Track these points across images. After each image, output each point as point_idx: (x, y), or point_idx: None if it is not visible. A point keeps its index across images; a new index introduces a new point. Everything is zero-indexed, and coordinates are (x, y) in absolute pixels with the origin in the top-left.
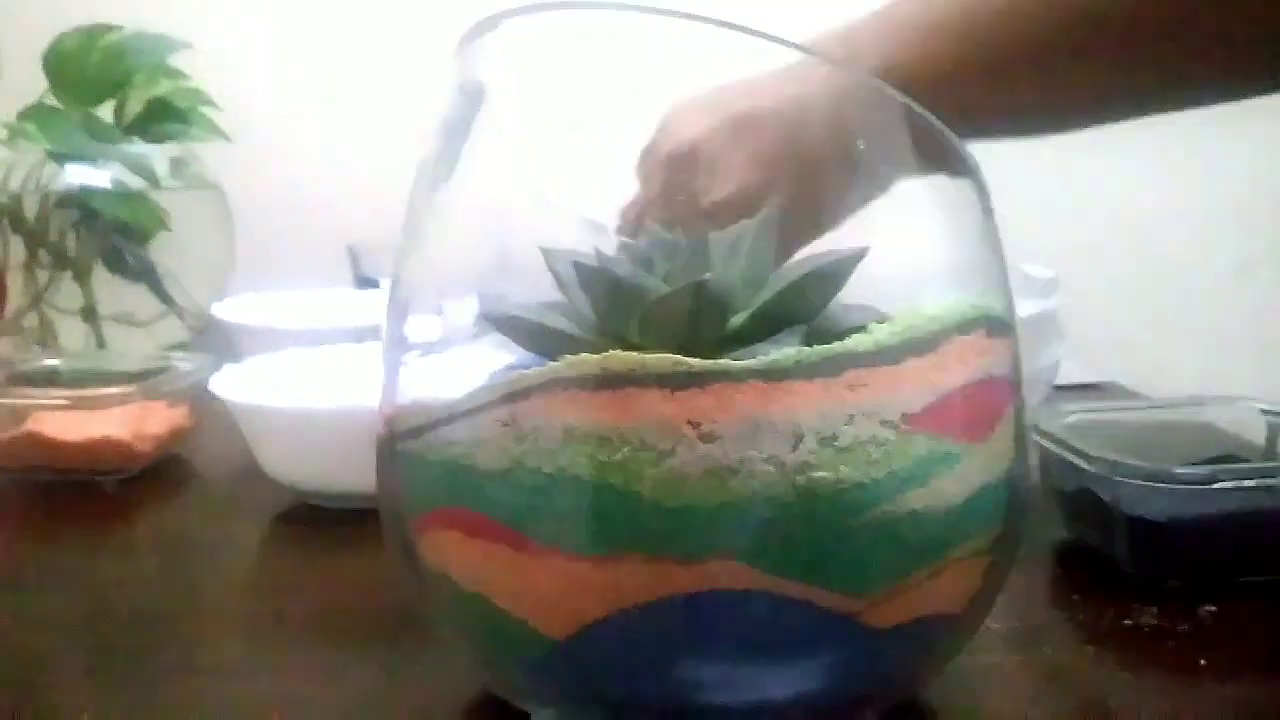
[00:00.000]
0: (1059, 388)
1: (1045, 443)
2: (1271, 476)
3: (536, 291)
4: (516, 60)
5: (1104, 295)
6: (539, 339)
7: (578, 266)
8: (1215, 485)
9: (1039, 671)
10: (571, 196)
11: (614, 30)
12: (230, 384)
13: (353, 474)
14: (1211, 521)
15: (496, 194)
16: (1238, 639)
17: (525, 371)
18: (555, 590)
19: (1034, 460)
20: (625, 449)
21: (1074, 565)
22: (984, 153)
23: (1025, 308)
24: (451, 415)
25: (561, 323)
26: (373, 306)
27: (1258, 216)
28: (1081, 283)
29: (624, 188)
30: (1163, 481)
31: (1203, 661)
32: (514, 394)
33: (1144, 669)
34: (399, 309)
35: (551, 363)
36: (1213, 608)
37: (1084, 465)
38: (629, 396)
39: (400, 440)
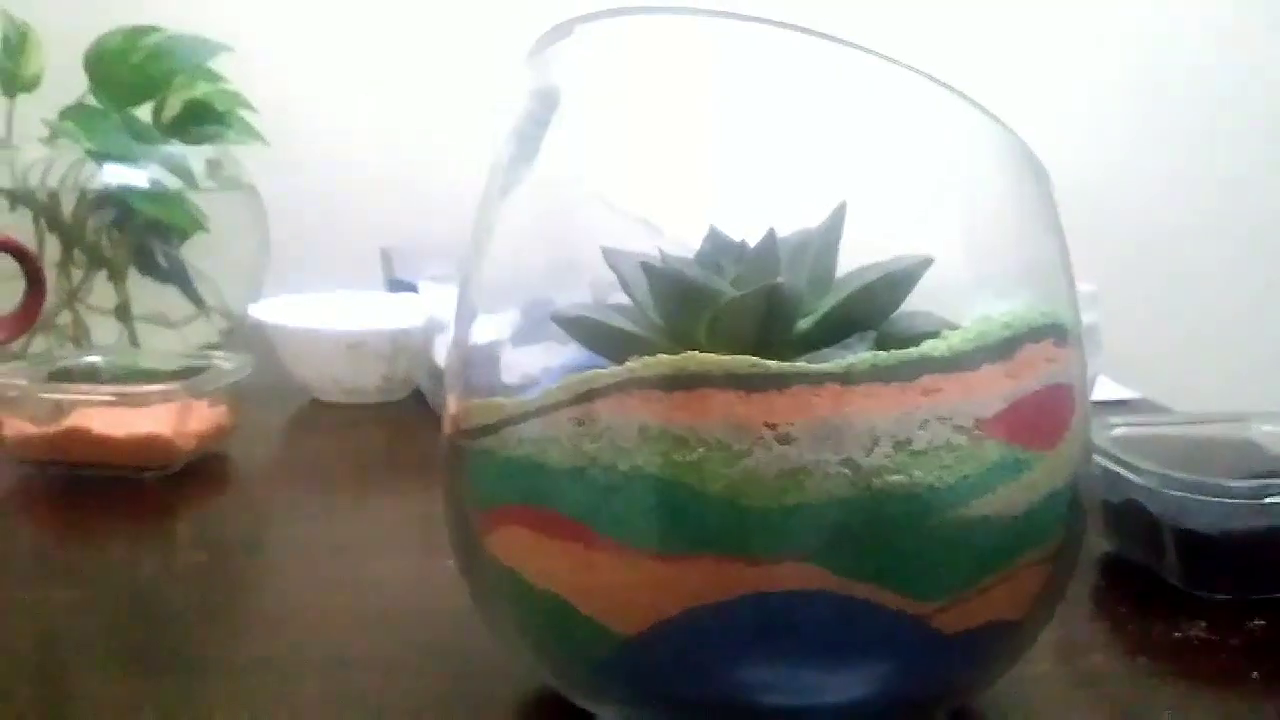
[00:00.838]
0: (1095, 403)
1: (1093, 455)
2: None
3: (600, 295)
4: (590, 65)
5: (1138, 312)
6: (606, 341)
7: (646, 268)
8: (1266, 499)
9: (1088, 681)
10: (639, 201)
11: (686, 35)
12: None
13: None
14: (1261, 535)
15: (565, 198)
16: None
17: (600, 371)
18: (626, 588)
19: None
20: (700, 449)
21: (1117, 578)
22: None
23: None
24: (524, 414)
25: (628, 324)
26: (405, 309)
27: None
28: (1115, 300)
29: (691, 193)
30: (1213, 495)
31: (1255, 674)
32: (588, 393)
33: (1195, 680)
34: (467, 310)
35: (626, 363)
36: (1262, 621)
37: (1132, 477)
38: (705, 397)
39: (468, 438)
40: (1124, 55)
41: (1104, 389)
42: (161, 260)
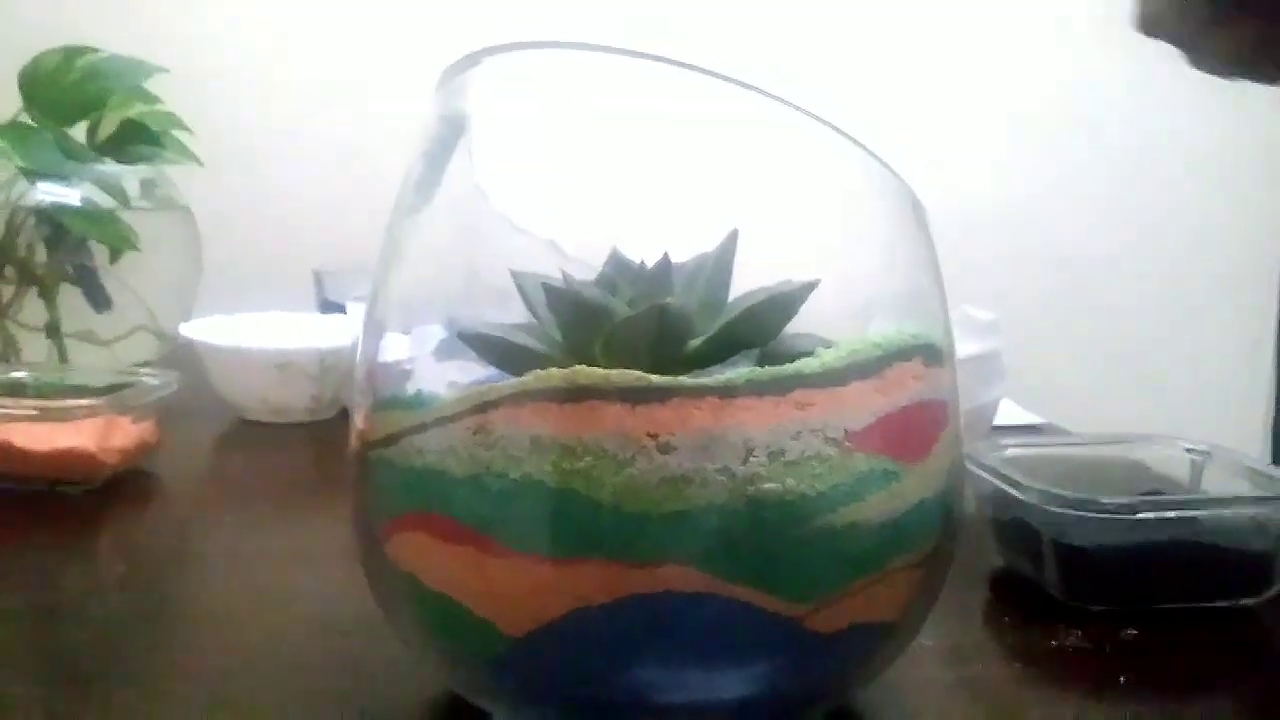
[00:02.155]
0: (998, 428)
1: (982, 473)
2: (1192, 509)
3: (507, 313)
4: (497, 94)
5: (1048, 340)
6: (508, 357)
7: (546, 289)
8: (1139, 515)
9: (968, 686)
10: (543, 223)
11: (589, 69)
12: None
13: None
14: (1135, 549)
15: (471, 219)
16: (1156, 660)
17: (496, 384)
18: (517, 590)
19: (971, 491)
20: (588, 458)
21: (1006, 591)
22: (937, 202)
23: (967, 348)
24: (424, 424)
25: (530, 341)
26: (335, 329)
27: (1193, 265)
28: (1027, 327)
29: (592, 218)
30: (1089, 510)
31: (1123, 680)
32: (484, 404)
33: (1068, 686)
34: (375, 326)
35: (520, 377)
36: (1134, 631)
37: (1016, 494)
38: (593, 409)
39: (372, 448)
40: (1043, 90)
41: (1009, 413)
42: (68, 267)
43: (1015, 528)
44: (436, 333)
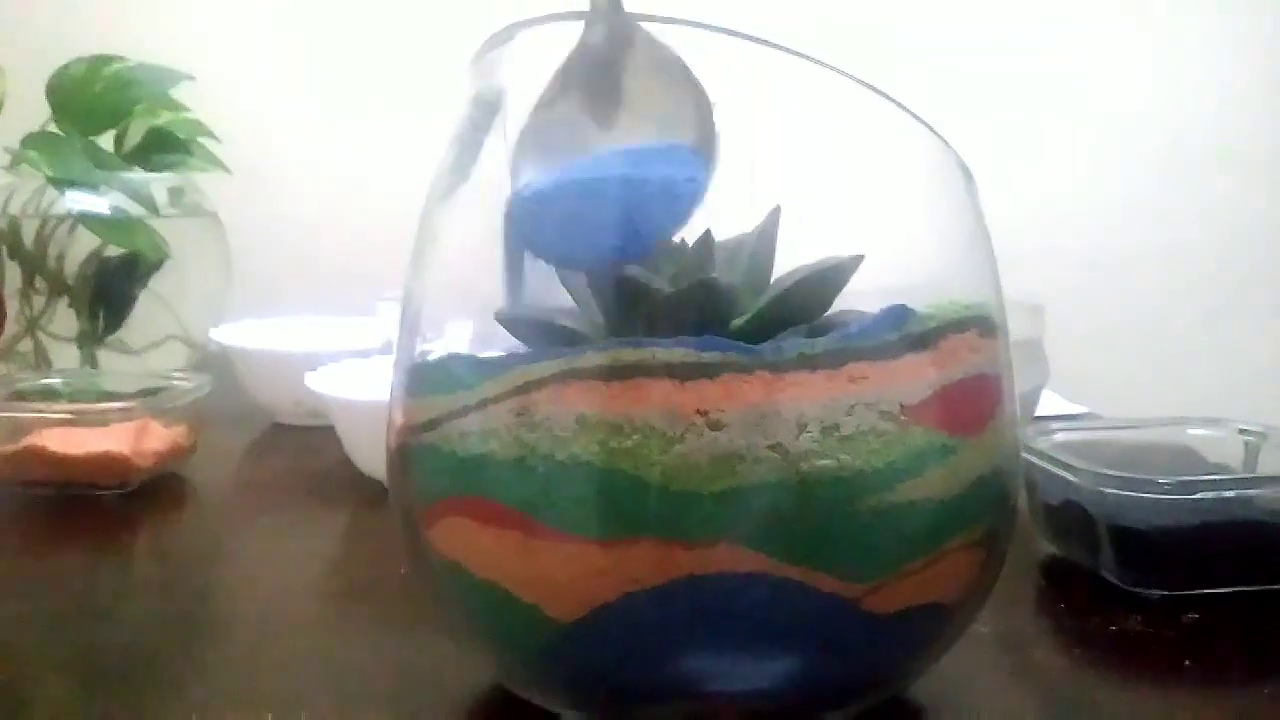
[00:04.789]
0: (1039, 418)
1: (1032, 458)
2: (1249, 488)
3: (545, 298)
4: (531, 70)
5: (1084, 332)
6: (550, 338)
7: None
8: (1196, 495)
9: (1027, 673)
10: None
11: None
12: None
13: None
14: (1193, 531)
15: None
16: (1218, 644)
17: (538, 364)
18: (565, 574)
19: (1021, 476)
20: (636, 436)
21: (1060, 578)
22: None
23: (1012, 334)
24: (465, 408)
25: (571, 322)
26: (366, 332)
27: (1225, 263)
28: (1063, 320)
29: None
30: (1146, 491)
31: (1187, 663)
32: (527, 385)
33: (1130, 671)
34: (411, 314)
35: (563, 355)
36: (1195, 615)
37: (1070, 477)
38: (640, 386)
39: (412, 434)
40: (1082, 90)
41: (1051, 403)
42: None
43: (1068, 512)
44: (473, 319)
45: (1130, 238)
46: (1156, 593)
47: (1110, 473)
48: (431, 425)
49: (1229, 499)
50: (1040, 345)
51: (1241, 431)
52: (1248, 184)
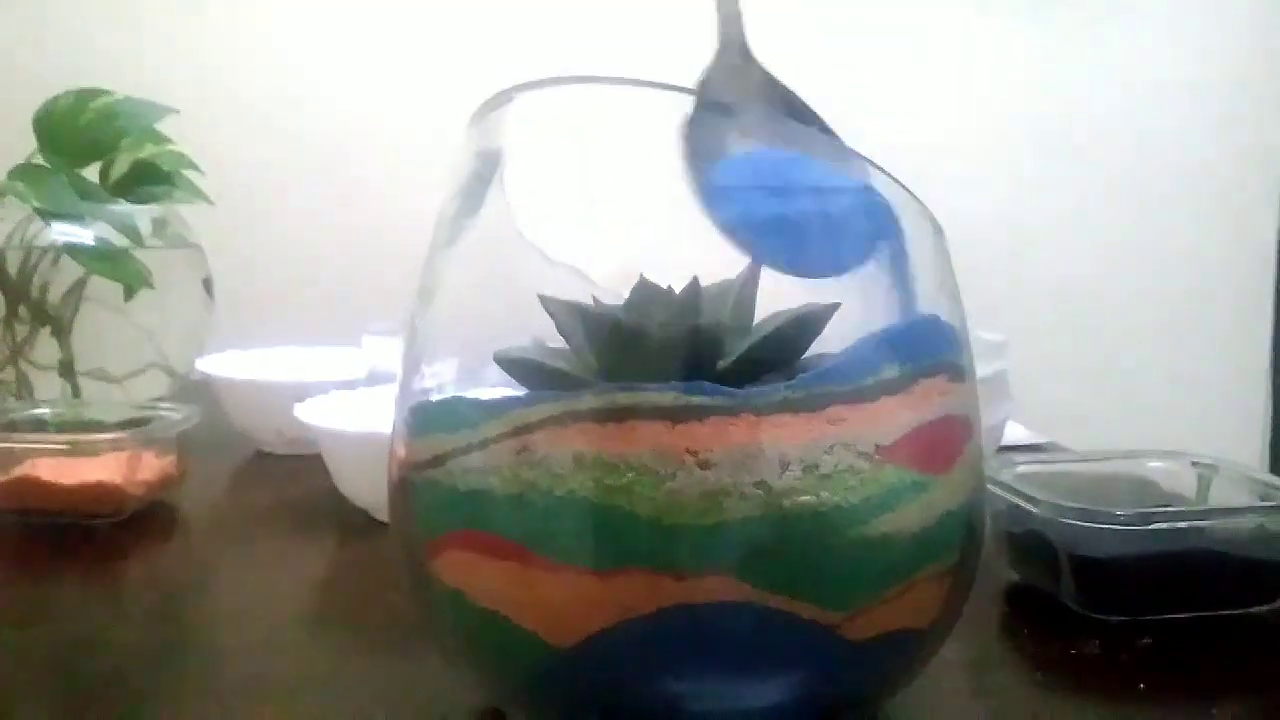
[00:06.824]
0: (1004, 448)
1: (997, 490)
2: (1202, 519)
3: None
4: (529, 130)
5: (1047, 363)
6: (545, 380)
7: (581, 312)
8: (1153, 526)
9: (991, 696)
10: (574, 255)
11: (617, 103)
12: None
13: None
14: (1150, 559)
15: (507, 253)
16: (1172, 667)
17: (538, 406)
18: (562, 603)
19: (987, 509)
20: (630, 474)
21: (1022, 604)
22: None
23: (977, 369)
24: (468, 446)
25: (565, 364)
26: (350, 363)
27: (1189, 297)
28: (1027, 351)
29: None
30: (1104, 522)
31: (1141, 685)
32: (528, 425)
33: (1087, 693)
34: (413, 358)
35: (561, 399)
36: (1149, 640)
37: (1032, 509)
38: (634, 428)
39: (416, 471)
40: (1040, 119)
41: (1014, 433)
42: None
43: (1030, 542)
44: (472, 362)
45: (1093, 264)
46: (1114, 618)
47: (1070, 504)
48: (435, 462)
49: (1183, 529)
50: (1005, 378)
51: (1194, 464)
52: (1210, 221)
